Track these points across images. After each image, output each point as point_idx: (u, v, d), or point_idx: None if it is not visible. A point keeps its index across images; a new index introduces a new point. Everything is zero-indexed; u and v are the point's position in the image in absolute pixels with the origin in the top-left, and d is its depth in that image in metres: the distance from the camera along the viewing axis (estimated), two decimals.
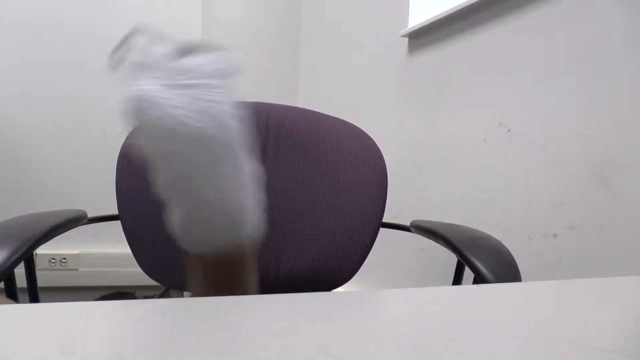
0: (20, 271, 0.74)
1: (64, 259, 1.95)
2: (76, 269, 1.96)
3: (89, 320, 0.23)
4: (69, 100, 2.00)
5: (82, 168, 2.01)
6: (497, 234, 0.77)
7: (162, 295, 0.95)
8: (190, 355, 0.19)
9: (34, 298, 0.77)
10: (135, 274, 1.93)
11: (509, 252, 0.64)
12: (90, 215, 0.83)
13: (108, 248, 1.97)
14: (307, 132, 0.83)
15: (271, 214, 0.79)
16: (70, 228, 0.75)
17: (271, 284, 0.78)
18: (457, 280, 0.73)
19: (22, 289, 0.72)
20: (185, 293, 0.80)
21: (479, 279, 0.59)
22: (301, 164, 0.82)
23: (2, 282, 0.67)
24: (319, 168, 0.81)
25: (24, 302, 0.32)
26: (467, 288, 0.35)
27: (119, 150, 0.82)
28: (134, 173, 0.78)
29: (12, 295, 0.68)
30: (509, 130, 1.10)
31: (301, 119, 0.85)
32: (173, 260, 0.78)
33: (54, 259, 1.94)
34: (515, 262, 0.62)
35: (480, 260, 0.61)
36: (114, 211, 0.82)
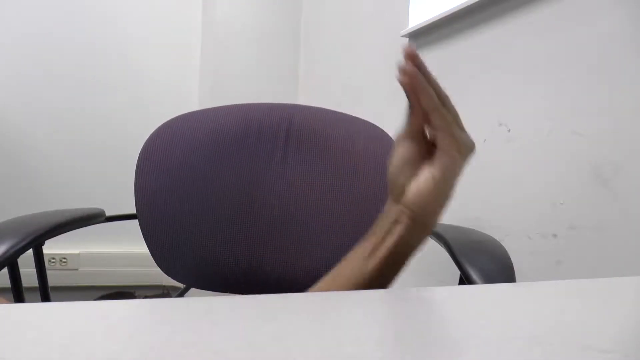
0: (31, 271, 0.75)
1: (64, 258, 1.95)
2: (76, 269, 1.96)
3: (89, 320, 0.23)
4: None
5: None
6: (496, 234, 0.77)
7: (181, 294, 0.96)
8: (190, 355, 0.19)
9: (45, 297, 0.78)
10: (135, 274, 1.94)
11: (508, 258, 0.64)
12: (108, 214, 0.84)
13: (108, 248, 1.97)
14: (329, 134, 0.83)
15: (292, 215, 0.79)
16: (85, 225, 0.77)
17: (288, 287, 0.78)
18: (464, 281, 0.72)
19: (32, 289, 0.73)
20: (205, 291, 0.80)
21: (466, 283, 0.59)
22: (322, 166, 0.81)
23: (9, 283, 0.67)
24: (340, 171, 0.81)
25: (34, 301, 0.32)
26: (467, 288, 0.35)
27: (138, 150, 0.82)
28: (153, 173, 0.78)
29: (18, 292, 0.69)
30: (509, 130, 1.10)
31: (323, 120, 0.84)
32: (193, 259, 0.78)
33: (54, 258, 1.94)
34: (512, 269, 0.62)
35: (472, 265, 0.61)
36: (128, 210, 0.82)
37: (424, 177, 0.45)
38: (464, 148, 0.44)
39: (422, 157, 0.46)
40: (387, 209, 0.48)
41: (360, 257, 0.48)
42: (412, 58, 0.42)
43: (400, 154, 0.47)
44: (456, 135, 0.44)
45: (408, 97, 0.44)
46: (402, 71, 0.43)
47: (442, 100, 0.44)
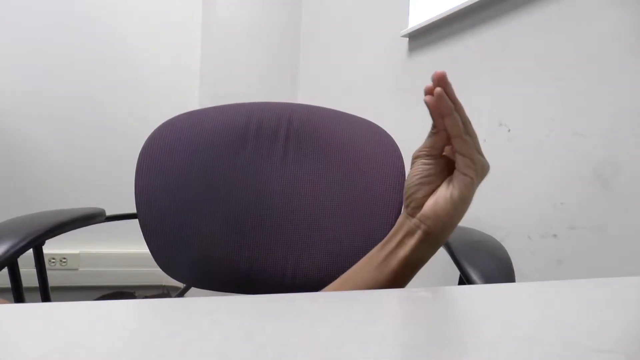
0: (31, 271, 0.75)
1: (64, 258, 1.95)
2: (76, 269, 1.96)
3: (89, 320, 0.23)
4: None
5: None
6: (497, 235, 0.77)
7: (181, 294, 0.96)
8: (190, 355, 0.19)
9: (45, 297, 0.78)
10: (135, 274, 1.94)
11: (508, 258, 0.64)
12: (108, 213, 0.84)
13: (108, 248, 1.97)
14: (329, 134, 0.82)
15: (293, 214, 0.79)
16: (85, 225, 0.77)
17: (288, 287, 0.78)
18: (464, 281, 0.72)
19: (32, 289, 0.73)
20: (205, 291, 0.80)
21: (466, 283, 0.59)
22: (322, 166, 0.81)
23: (9, 283, 0.67)
24: (340, 169, 0.81)
25: (34, 301, 0.32)
26: (467, 288, 0.35)
27: (138, 150, 0.82)
28: (153, 172, 0.78)
29: (18, 292, 0.69)
30: (509, 130, 1.10)
31: (324, 119, 0.84)
32: (194, 258, 0.78)
33: (54, 258, 1.94)
34: (512, 269, 0.62)
35: (472, 265, 0.61)
36: (128, 210, 0.82)
37: (442, 196, 0.47)
38: (481, 170, 0.47)
39: (439, 174, 0.49)
40: (401, 221, 0.51)
41: (372, 266, 0.51)
42: (441, 81, 0.45)
43: (419, 170, 0.49)
44: (475, 159, 0.46)
45: (433, 117, 0.47)
46: (430, 92, 0.45)
47: (465, 125, 0.46)
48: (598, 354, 0.21)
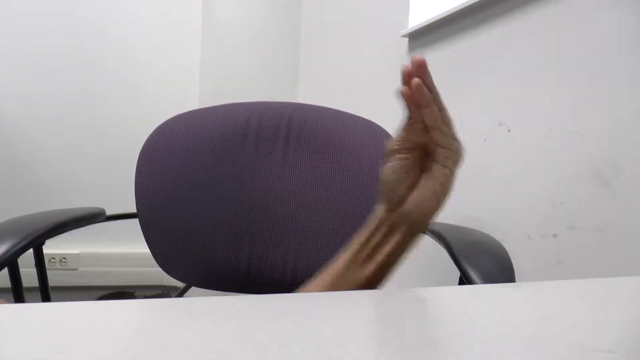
0: (31, 271, 0.75)
1: (64, 258, 1.95)
2: (76, 269, 1.96)
3: (88, 320, 0.23)
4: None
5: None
6: (496, 234, 0.77)
7: (181, 294, 0.96)
8: (190, 355, 0.19)
9: (45, 297, 0.77)
10: (135, 274, 1.94)
11: (508, 258, 0.64)
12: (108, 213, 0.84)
13: (108, 248, 1.97)
14: (329, 134, 0.83)
15: (292, 215, 0.79)
16: (86, 225, 0.77)
17: (288, 287, 0.78)
18: (464, 281, 0.72)
19: (32, 289, 0.73)
20: (205, 290, 0.80)
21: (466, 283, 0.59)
22: (322, 165, 0.81)
23: (9, 283, 0.67)
24: (340, 170, 0.81)
25: (34, 301, 0.32)
26: (467, 288, 0.35)
27: (138, 150, 0.81)
28: (153, 171, 0.78)
29: (18, 292, 0.69)
30: (509, 130, 1.10)
31: (324, 119, 0.84)
32: (194, 258, 0.78)
33: (53, 258, 1.94)
34: (512, 269, 0.62)
35: (472, 266, 0.61)
36: (128, 210, 0.82)
37: (425, 190, 0.46)
38: (458, 158, 0.46)
39: (416, 165, 0.47)
40: (381, 216, 0.49)
41: (357, 262, 0.50)
42: (419, 69, 0.42)
43: (397, 165, 0.47)
44: (453, 148, 0.45)
45: (409, 109, 0.44)
46: (407, 83, 0.43)
47: (442, 114, 0.45)
48: (598, 354, 0.21)
